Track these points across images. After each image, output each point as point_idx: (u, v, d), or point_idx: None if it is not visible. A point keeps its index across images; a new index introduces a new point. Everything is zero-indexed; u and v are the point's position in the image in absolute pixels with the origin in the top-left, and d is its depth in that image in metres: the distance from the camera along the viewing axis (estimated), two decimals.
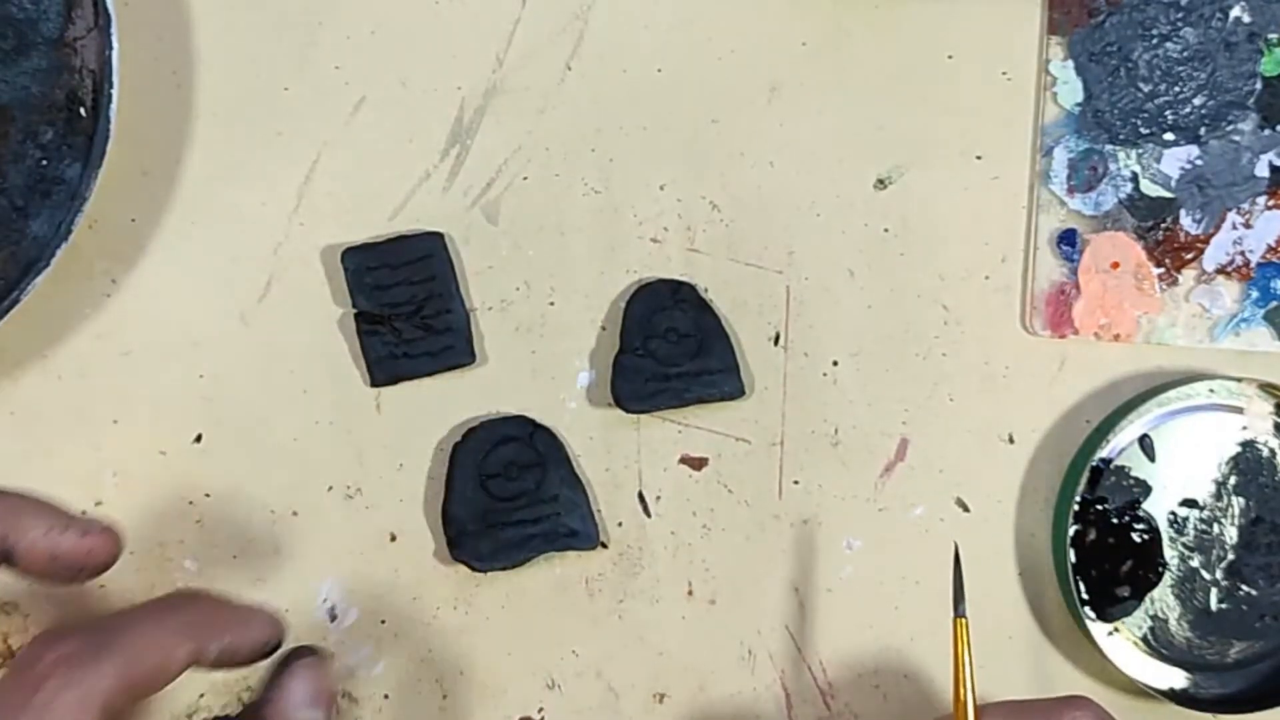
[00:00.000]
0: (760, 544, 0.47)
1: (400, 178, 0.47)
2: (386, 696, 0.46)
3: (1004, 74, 0.48)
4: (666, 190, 0.47)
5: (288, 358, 0.46)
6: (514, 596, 0.46)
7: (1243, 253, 0.48)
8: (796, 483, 0.47)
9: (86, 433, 0.45)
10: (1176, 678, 0.47)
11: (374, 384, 0.46)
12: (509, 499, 0.45)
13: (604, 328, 0.47)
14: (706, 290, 0.47)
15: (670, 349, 0.46)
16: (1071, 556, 0.46)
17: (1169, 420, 0.47)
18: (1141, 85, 0.48)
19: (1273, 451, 0.48)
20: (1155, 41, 0.48)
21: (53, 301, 0.45)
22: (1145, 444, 0.47)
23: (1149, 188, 0.48)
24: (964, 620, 0.42)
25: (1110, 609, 0.47)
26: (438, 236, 0.46)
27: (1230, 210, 0.48)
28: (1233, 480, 0.48)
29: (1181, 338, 0.48)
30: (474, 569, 0.45)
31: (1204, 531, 0.48)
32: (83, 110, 0.44)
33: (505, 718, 0.46)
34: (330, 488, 0.46)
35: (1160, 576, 0.47)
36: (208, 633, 0.35)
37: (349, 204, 0.47)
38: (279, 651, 0.37)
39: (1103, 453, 0.47)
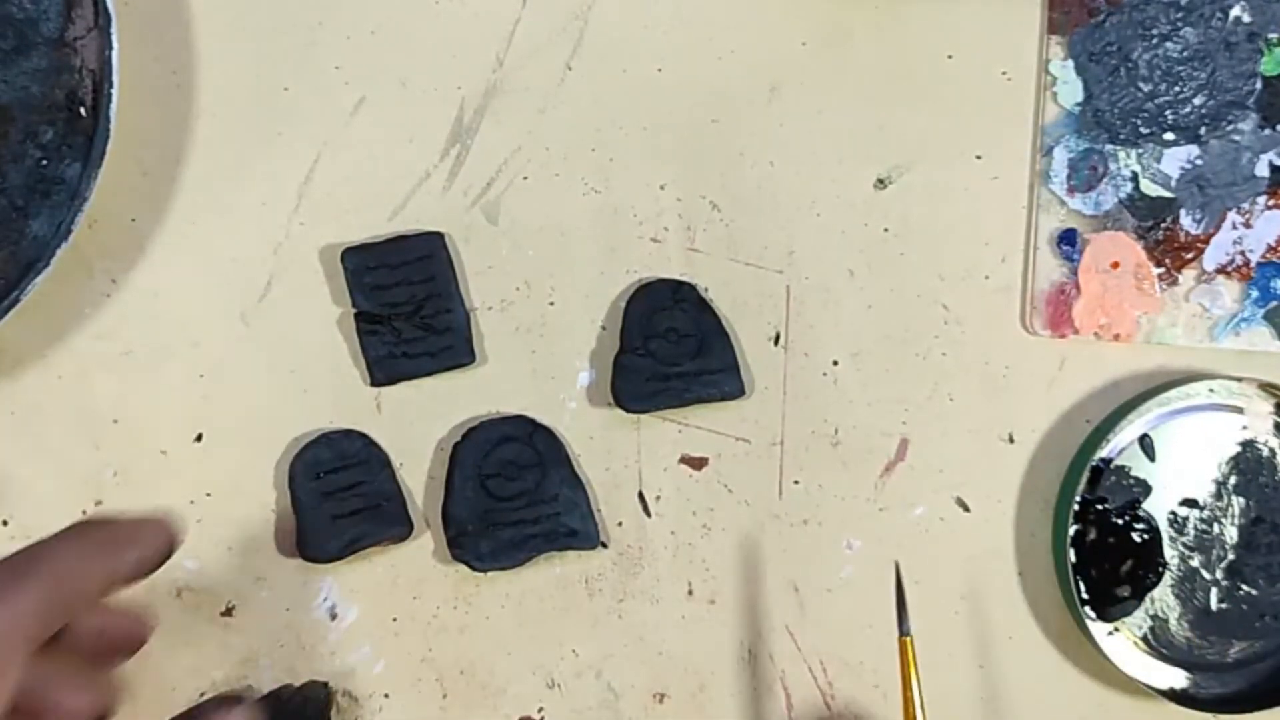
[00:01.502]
0: (760, 544, 0.47)
1: (400, 178, 0.47)
2: (387, 696, 0.46)
3: (1004, 74, 0.48)
4: (666, 190, 0.47)
5: (288, 358, 0.46)
6: (514, 596, 0.46)
7: (1243, 252, 0.48)
8: (796, 483, 0.47)
9: (86, 433, 0.45)
10: (1176, 678, 0.47)
11: (374, 384, 0.46)
12: (509, 499, 0.45)
13: (604, 328, 0.47)
14: (706, 290, 0.47)
15: (670, 349, 0.46)
16: (1071, 556, 0.46)
17: (1169, 420, 0.47)
18: (1141, 85, 0.48)
19: (1273, 451, 0.48)
20: (1155, 41, 0.48)
21: (53, 301, 0.45)
22: (1145, 444, 0.47)
23: (1149, 187, 0.48)
24: (909, 640, 0.42)
25: (1110, 609, 0.47)
26: (438, 236, 0.46)
27: (1230, 210, 0.48)
28: (1233, 480, 0.48)
29: (1181, 338, 0.48)
30: (474, 569, 0.45)
31: (1204, 531, 0.48)
32: (83, 110, 0.44)
33: (505, 718, 0.47)
34: None
35: (1160, 576, 0.47)
36: (115, 550, 0.36)
37: (349, 204, 0.47)
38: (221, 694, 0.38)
39: (1103, 453, 0.47)
